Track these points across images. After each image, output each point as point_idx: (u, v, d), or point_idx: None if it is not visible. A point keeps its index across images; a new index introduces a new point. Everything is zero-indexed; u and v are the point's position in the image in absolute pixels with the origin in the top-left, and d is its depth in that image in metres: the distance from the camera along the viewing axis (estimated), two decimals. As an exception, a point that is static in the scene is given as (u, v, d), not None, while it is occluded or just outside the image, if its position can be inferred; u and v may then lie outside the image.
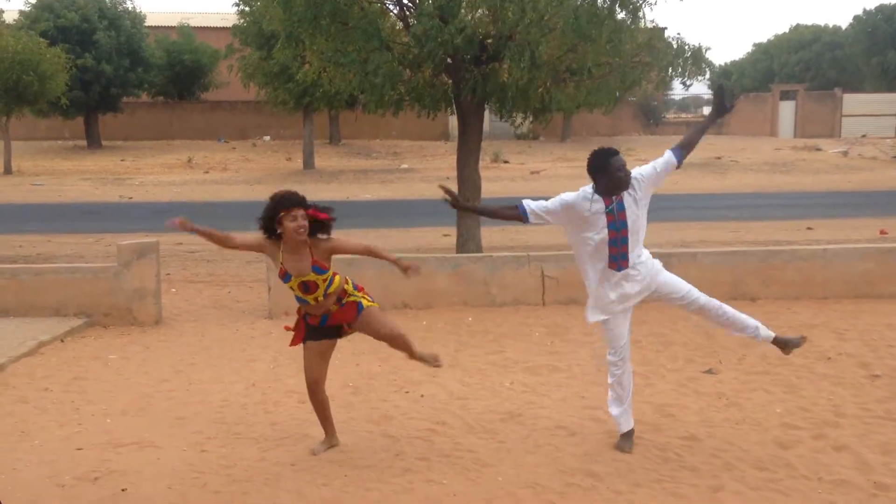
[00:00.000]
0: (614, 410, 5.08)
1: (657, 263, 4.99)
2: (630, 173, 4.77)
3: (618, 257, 4.79)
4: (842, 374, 6.41)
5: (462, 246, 11.23)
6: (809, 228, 14.86)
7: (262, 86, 26.54)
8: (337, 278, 4.83)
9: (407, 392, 6.23)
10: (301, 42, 11.07)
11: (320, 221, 4.70)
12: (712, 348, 7.25)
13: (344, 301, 4.88)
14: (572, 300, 8.70)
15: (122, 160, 31.67)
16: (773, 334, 5.10)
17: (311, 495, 4.47)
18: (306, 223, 4.65)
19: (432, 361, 5.23)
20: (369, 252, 4.89)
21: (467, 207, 4.78)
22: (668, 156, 4.92)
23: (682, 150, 4.96)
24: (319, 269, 4.73)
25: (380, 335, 5.02)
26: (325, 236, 4.77)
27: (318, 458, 4.95)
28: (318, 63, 10.75)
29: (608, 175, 4.74)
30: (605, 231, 4.75)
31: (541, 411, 5.75)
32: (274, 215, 4.66)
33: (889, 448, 4.95)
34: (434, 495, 4.45)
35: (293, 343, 5.05)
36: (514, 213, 4.87)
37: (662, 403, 5.84)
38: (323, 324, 4.89)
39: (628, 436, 5.05)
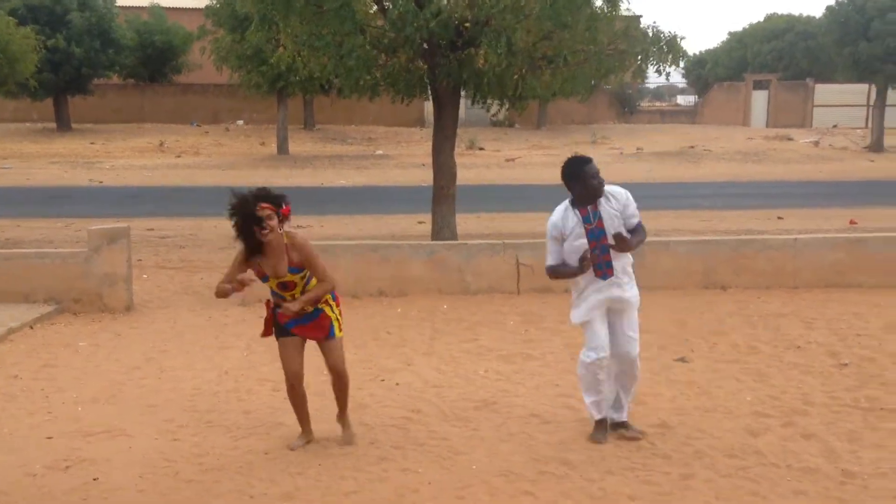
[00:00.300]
0: (592, 411, 5.09)
1: (638, 298, 5.04)
2: (603, 182, 4.83)
3: (602, 265, 4.85)
4: (811, 363, 6.50)
5: (437, 233, 11.22)
6: (780, 218, 15.03)
7: (236, 69, 26.19)
8: (314, 279, 4.78)
9: (382, 380, 6.22)
10: (275, 25, 10.95)
11: (285, 215, 4.66)
12: (684, 336, 7.32)
13: (321, 307, 4.80)
14: (547, 288, 8.72)
15: (91, 143, 31.16)
16: (624, 419, 5.14)
17: (285, 484, 4.46)
18: (274, 223, 4.56)
19: (349, 438, 5.01)
20: (320, 283, 4.72)
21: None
22: (636, 224, 4.93)
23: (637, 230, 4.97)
24: (296, 270, 4.70)
25: (330, 366, 4.93)
26: (300, 240, 4.70)
27: (304, 446, 4.93)
28: (292, 46, 10.64)
29: (582, 183, 4.81)
30: (586, 242, 4.79)
31: (515, 399, 5.78)
32: (249, 230, 4.55)
33: (856, 436, 5.03)
34: (409, 483, 4.45)
35: (264, 334, 4.96)
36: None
37: (635, 391, 5.88)
38: (289, 326, 4.79)
39: (601, 425, 5.07)
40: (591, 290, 4.93)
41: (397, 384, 6.13)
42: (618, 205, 4.87)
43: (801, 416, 5.37)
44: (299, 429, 5.05)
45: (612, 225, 4.82)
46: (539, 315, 8.07)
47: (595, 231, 4.80)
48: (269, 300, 4.88)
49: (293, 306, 4.64)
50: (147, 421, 5.39)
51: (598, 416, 5.07)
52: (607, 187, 4.87)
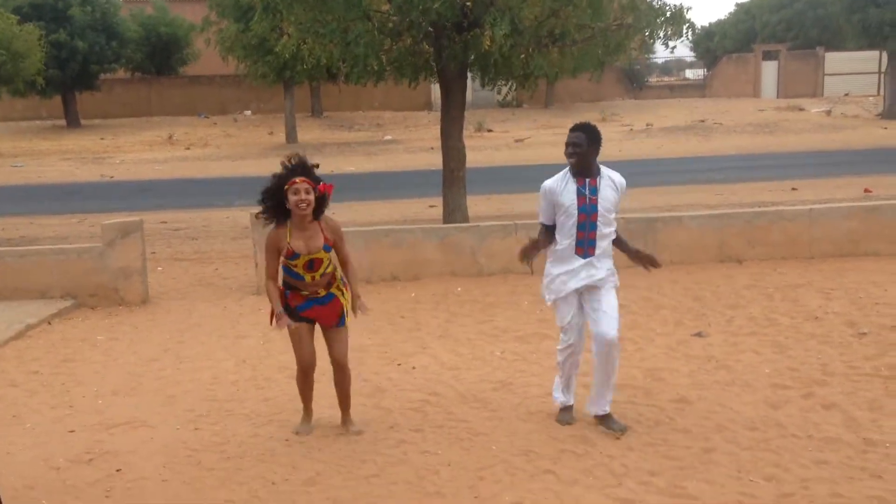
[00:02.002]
0: (556, 395, 5.05)
1: (615, 277, 4.87)
2: (580, 153, 4.64)
3: (584, 243, 4.70)
4: (829, 333, 6.47)
5: (449, 216, 11.21)
6: (794, 189, 14.92)
7: (242, 59, 26.18)
8: (333, 265, 4.76)
9: (399, 364, 6.23)
10: (279, 13, 10.91)
11: (323, 196, 4.59)
12: (701, 311, 7.29)
13: (332, 290, 4.76)
14: (560, 267, 8.70)
15: (101, 139, 31.27)
16: (606, 411, 4.87)
17: (306, 469, 4.48)
18: (310, 197, 4.51)
19: (357, 430, 4.94)
20: (345, 269, 4.77)
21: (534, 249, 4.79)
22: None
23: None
24: (329, 248, 4.65)
25: (335, 356, 4.86)
26: (334, 221, 4.71)
27: (312, 433, 4.94)
28: (296, 34, 10.60)
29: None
30: (575, 213, 4.65)
31: (532, 379, 5.78)
32: (279, 190, 4.53)
33: (877, 405, 5.01)
34: (429, 465, 4.47)
35: (274, 322, 4.83)
36: (547, 238, 4.80)
37: (653, 367, 5.88)
38: (300, 310, 4.75)
39: (567, 410, 5.01)
40: (566, 272, 4.75)
41: (414, 368, 6.14)
42: (615, 191, 4.72)
43: (821, 387, 5.34)
44: (319, 415, 5.04)
45: (606, 203, 4.67)
46: (554, 294, 8.04)
47: (588, 206, 4.65)
48: (280, 286, 4.80)
49: (362, 308, 4.70)
50: (167, 411, 5.43)
51: (565, 402, 5.01)
52: (608, 171, 4.76)
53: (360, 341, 6.78)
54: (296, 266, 4.66)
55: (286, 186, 4.51)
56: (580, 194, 4.65)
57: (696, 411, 5.05)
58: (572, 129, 4.75)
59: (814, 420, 4.83)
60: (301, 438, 4.88)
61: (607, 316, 4.71)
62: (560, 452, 4.57)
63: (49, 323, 7.77)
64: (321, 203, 4.63)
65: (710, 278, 8.39)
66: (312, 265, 4.65)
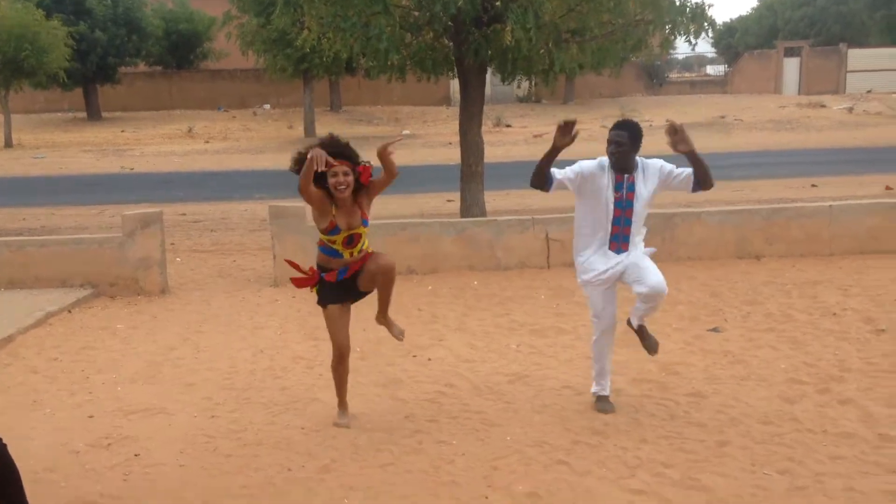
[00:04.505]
0: (594, 387, 5.12)
1: (646, 250, 4.92)
2: (623, 152, 4.65)
3: (619, 238, 4.75)
4: (847, 330, 6.43)
5: (466, 211, 11.23)
6: (814, 186, 14.80)
7: (261, 53, 26.30)
8: (366, 239, 4.81)
9: (414, 356, 6.26)
10: (300, 7, 10.96)
11: (362, 179, 4.61)
12: (717, 307, 7.27)
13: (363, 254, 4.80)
14: (577, 262, 8.70)
15: (122, 131, 31.53)
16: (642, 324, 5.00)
17: (322, 457, 4.52)
18: (350, 178, 4.56)
19: (397, 335, 5.02)
20: (388, 167, 4.67)
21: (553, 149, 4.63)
22: (689, 173, 4.69)
23: (699, 185, 4.72)
24: (366, 222, 4.71)
25: (382, 263, 4.70)
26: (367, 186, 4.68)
27: (328, 422, 4.98)
28: (317, 28, 10.64)
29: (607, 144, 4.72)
30: (612, 207, 4.69)
31: (547, 372, 5.79)
32: (319, 175, 4.53)
33: (894, 401, 4.98)
34: (443, 455, 4.49)
35: (302, 284, 4.82)
36: (543, 178, 4.70)
37: (668, 362, 5.87)
38: (340, 278, 4.72)
39: (604, 399, 5.08)
40: (593, 261, 4.81)
41: (430, 360, 6.17)
42: (653, 180, 4.73)
43: (838, 383, 5.32)
44: (334, 404, 5.06)
45: (641, 198, 4.70)
46: (569, 289, 8.03)
47: (623, 201, 4.70)
48: (312, 267, 4.81)
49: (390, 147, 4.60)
50: (186, 399, 5.49)
51: (602, 392, 5.08)
52: (644, 162, 4.76)
53: (376, 333, 6.79)
54: (334, 242, 4.66)
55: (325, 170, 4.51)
56: (617, 189, 4.69)
57: (711, 405, 5.05)
58: (615, 127, 4.74)
59: (829, 415, 4.81)
60: (317, 428, 4.92)
61: (650, 271, 4.68)
62: (574, 444, 4.58)
63: (69, 311, 7.86)
64: (359, 186, 4.65)
65: (728, 274, 8.35)
66: (352, 240, 4.69)
